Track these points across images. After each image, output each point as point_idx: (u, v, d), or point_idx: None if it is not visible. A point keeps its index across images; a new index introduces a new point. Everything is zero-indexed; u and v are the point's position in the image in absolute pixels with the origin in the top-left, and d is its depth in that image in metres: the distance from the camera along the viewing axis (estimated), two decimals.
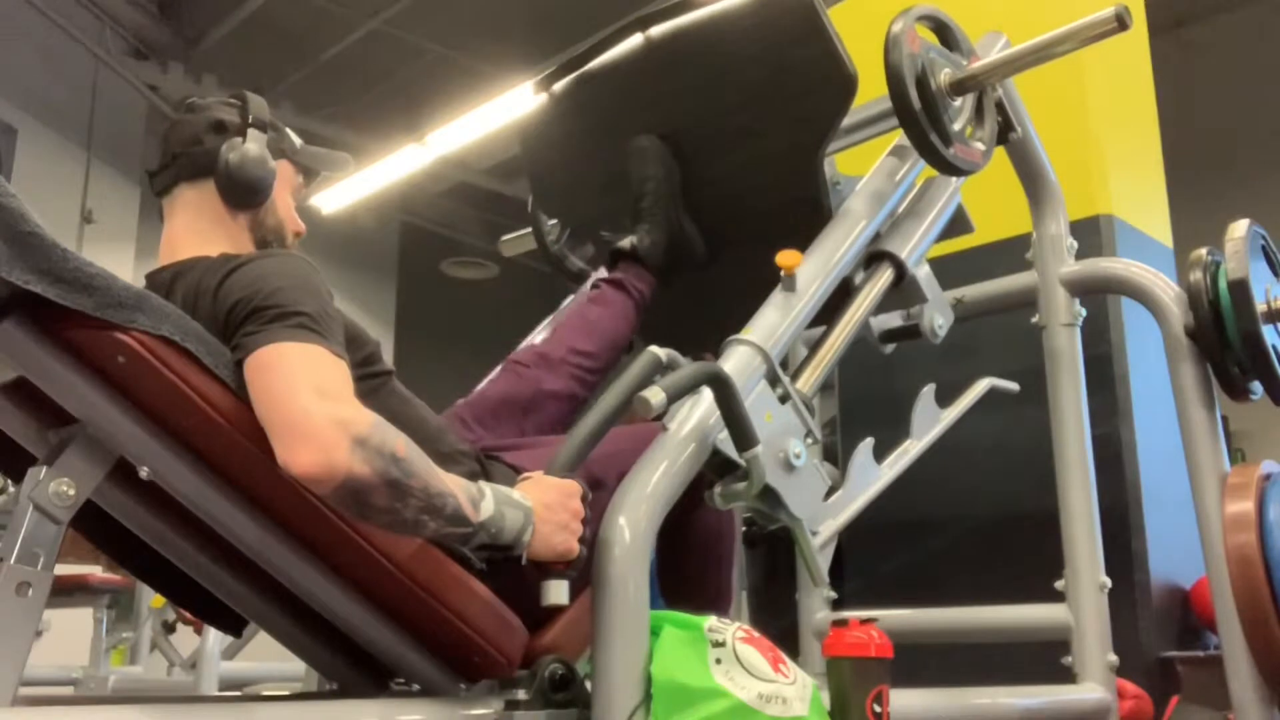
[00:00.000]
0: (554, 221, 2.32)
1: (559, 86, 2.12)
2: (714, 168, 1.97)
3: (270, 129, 1.42)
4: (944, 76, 1.76)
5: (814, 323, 1.66)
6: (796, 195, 1.86)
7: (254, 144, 1.38)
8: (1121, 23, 1.69)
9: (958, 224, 1.98)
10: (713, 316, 1.71)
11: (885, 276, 1.81)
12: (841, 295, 1.74)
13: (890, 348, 2.06)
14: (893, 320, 2.05)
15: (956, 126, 1.77)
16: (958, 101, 1.79)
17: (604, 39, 2.03)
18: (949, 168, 1.76)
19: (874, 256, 1.82)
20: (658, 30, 1.97)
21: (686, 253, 1.98)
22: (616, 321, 1.86)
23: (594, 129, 2.11)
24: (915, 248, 1.84)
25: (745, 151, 1.93)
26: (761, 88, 1.88)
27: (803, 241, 1.71)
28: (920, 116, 1.70)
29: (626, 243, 1.92)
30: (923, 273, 1.86)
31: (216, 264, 1.26)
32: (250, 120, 1.40)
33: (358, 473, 1.03)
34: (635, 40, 2.00)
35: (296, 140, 1.49)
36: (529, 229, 2.38)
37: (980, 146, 1.81)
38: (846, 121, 1.94)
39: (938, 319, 1.88)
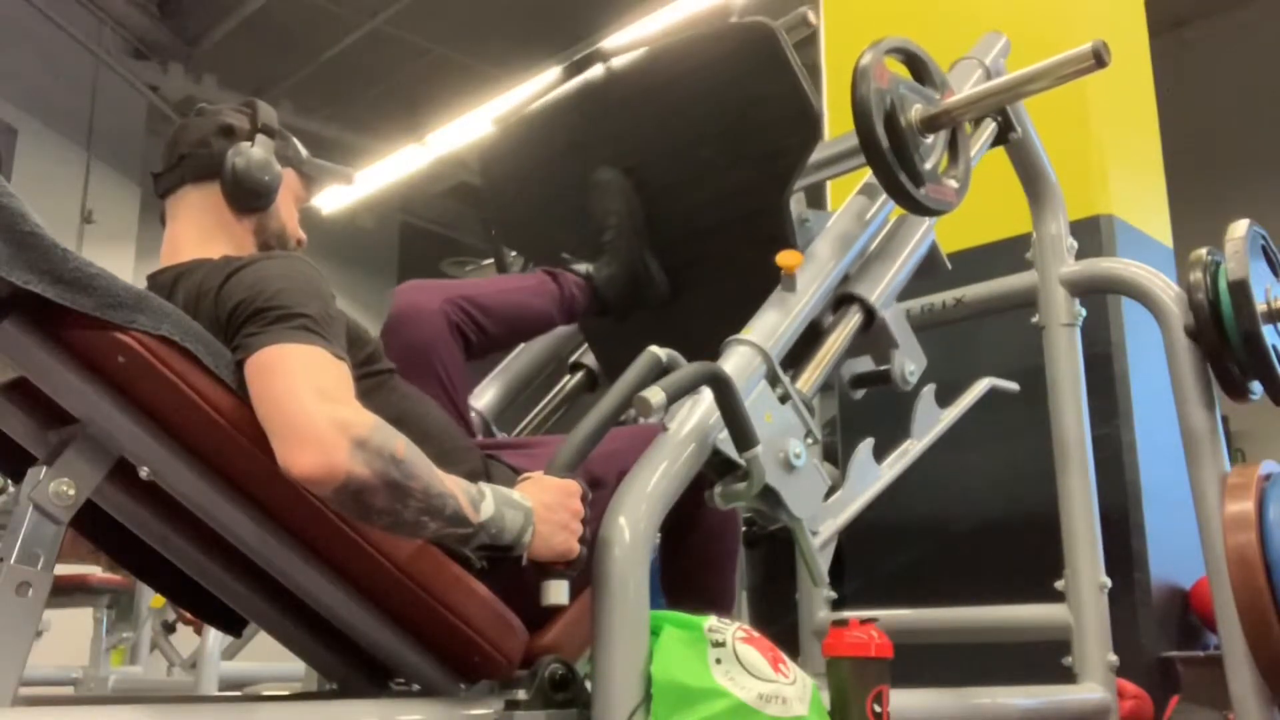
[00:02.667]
0: (514, 254, 2.31)
1: (521, 118, 2.09)
2: (678, 204, 1.92)
3: (278, 136, 1.43)
4: (915, 113, 1.67)
5: (782, 365, 1.56)
6: (763, 233, 1.80)
7: (260, 149, 1.39)
8: (1099, 59, 1.65)
9: (932, 264, 1.92)
10: (679, 352, 1.66)
11: (853, 321, 1.74)
12: (810, 339, 1.67)
13: (860, 393, 2.01)
14: (864, 365, 1.98)
15: (928, 165, 1.67)
16: (929, 139, 1.70)
17: (565, 69, 2.00)
18: (920, 209, 1.67)
19: (843, 299, 1.75)
20: (620, 62, 1.93)
21: (648, 289, 1.94)
22: (528, 296, 1.81)
23: (556, 161, 2.07)
24: (884, 291, 1.77)
25: (709, 188, 1.88)
26: (726, 123, 1.83)
27: (769, 280, 1.63)
28: (888, 156, 1.61)
29: (582, 268, 1.89)
30: (893, 315, 1.79)
31: (219, 265, 1.26)
32: (259, 126, 1.40)
33: (358, 474, 1.03)
34: (597, 72, 1.97)
35: (303, 150, 1.49)
36: (491, 260, 2.37)
37: (954, 184, 1.72)
38: (819, 156, 1.90)
39: (909, 365, 1.81)
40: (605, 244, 1.91)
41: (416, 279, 1.77)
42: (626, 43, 1.93)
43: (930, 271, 1.94)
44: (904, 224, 1.87)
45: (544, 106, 2.06)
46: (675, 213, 1.93)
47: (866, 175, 1.79)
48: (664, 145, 1.92)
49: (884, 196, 1.76)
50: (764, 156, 1.80)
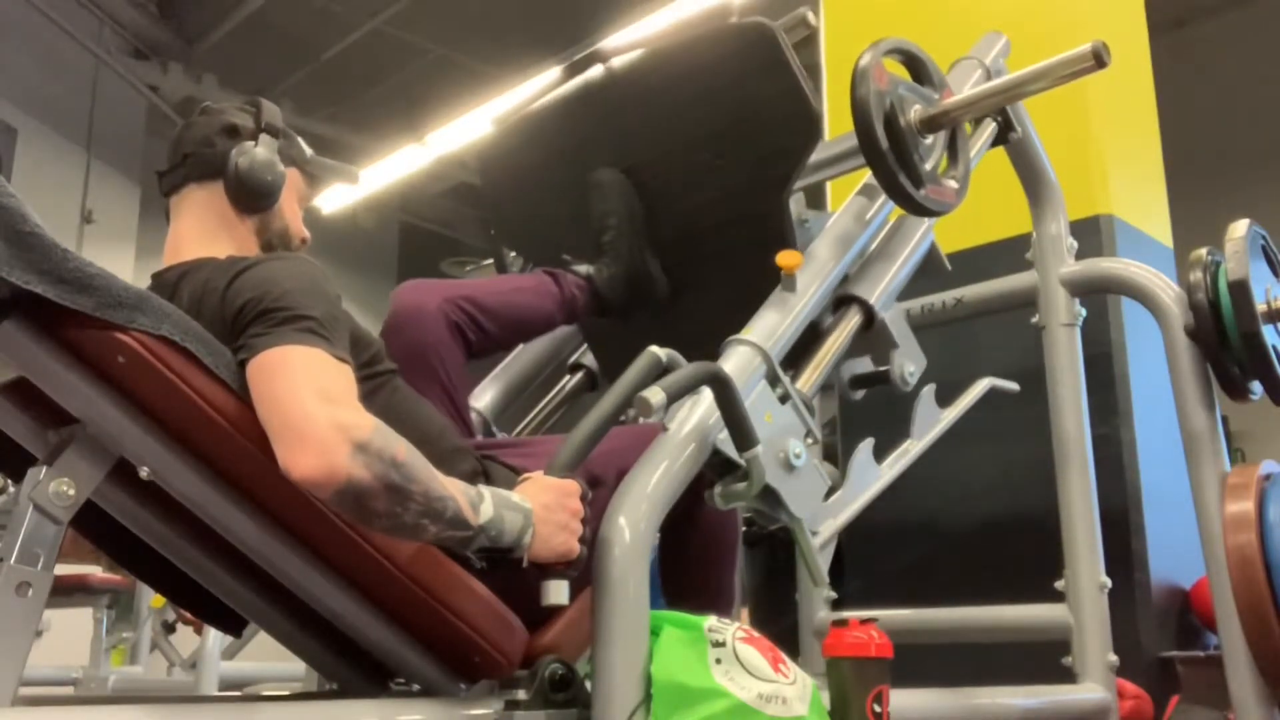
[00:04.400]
0: (514, 254, 2.31)
1: (520, 118, 2.09)
2: (678, 204, 1.92)
3: (282, 136, 1.43)
4: (914, 113, 1.67)
5: (782, 365, 1.56)
6: (763, 233, 1.80)
7: (264, 148, 1.39)
8: (1099, 60, 1.65)
9: (931, 264, 1.92)
10: (680, 352, 1.65)
11: (853, 322, 1.74)
12: (810, 339, 1.67)
13: (860, 394, 2.01)
14: (864, 366, 1.98)
15: (928, 166, 1.67)
16: (929, 139, 1.70)
17: (566, 68, 2.00)
18: (919, 210, 1.67)
19: (842, 300, 1.75)
20: (620, 62, 1.93)
21: (648, 290, 1.94)
22: (529, 296, 1.82)
23: (555, 161, 2.07)
24: (884, 291, 1.77)
25: (709, 188, 1.88)
26: (725, 123, 1.83)
27: (769, 280, 1.63)
28: (888, 156, 1.61)
29: (583, 269, 1.89)
30: (892, 316, 1.79)
31: (225, 265, 1.26)
32: (263, 126, 1.40)
33: (358, 477, 1.04)
34: (597, 71, 1.96)
35: (307, 150, 1.49)
36: (490, 260, 2.37)
37: (953, 185, 1.72)
38: (818, 156, 1.90)
39: (908, 366, 1.81)
40: (605, 244, 1.91)
41: (416, 279, 1.77)
42: (626, 43, 1.93)
43: (930, 272, 1.94)
44: (903, 224, 1.87)
45: (543, 107, 2.06)
46: (675, 213, 1.92)
47: (866, 176, 1.79)
48: (664, 145, 1.92)
49: (883, 197, 1.76)
50: (764, 157, 1.80)
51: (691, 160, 1.89)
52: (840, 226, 1.77)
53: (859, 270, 1.79)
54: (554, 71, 2.03)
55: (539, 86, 2.06)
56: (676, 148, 1.90)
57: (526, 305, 1.81)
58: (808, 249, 1.72)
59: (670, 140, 1.91)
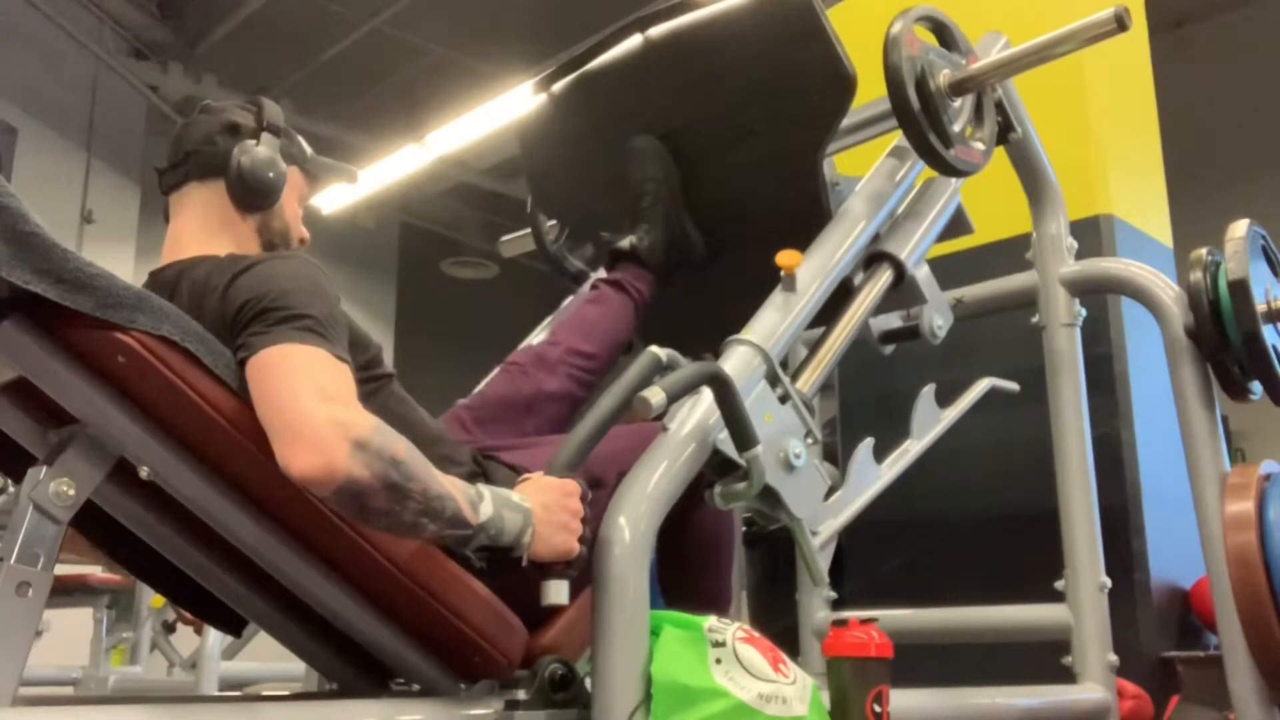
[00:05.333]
0: (553, 222, 2.32)
1: (558, 87, 2.12)
2: (713, 168, 1.97)
3: (283, 135, 1.43)
4: (943, 77, 1.76)
5: (814, 323, 1.65)
6: (796, 196, 1.86)
7: (266, 147, 1.39)
8: (1121, 23, 1.69)
9: (958, 224, 1.98)
10: (713, 316, 1.71)
11: (885, 277, 1.80)
12: (841, 296, 1.74)
13: (890, 348, 2.06)
14: (892, 321, 2.04)
15: (956, 127, 1.76)
16: (957, 102, 1.78)
17: (603, 39, 2.03)
18: (949, 169, 1.76)
19: (873, 257, 1.82)
20: (657, 31, 1.96)
21: (686, 253, 1.98)
22: (615, 322, 1.86)
23: (593, 129, 2.11)
24: (915, 249, 1.84)
25: (744, 152, 1.93)
26: (760, 88, 1.88)
27: (802, 242, 1.70)
28: (919, 118, 1.70)
29: (626, 243, 1.92)
30: (922, 273, 1.85)
31: (225, 263, 1.26)
32: (265, 124, 1.40)
33: (357, 476, 1.04)
34: (634, 41, 2.00)
35: (307, 148, 1.50)
36: (528, 229, 2.38)
37: (980, 147, 1.80)
38: (846, 122, 1.93)
39: (937, 320, 1.88)
40: (643, 210, 1.94)
41: (521, 348, 1.87)
42: (663, 10, 1.95)
43: (956, 231, 1.99)
44: (932, 186, 1.93)
45: (581, 76, 2.08)
46: (712, 177, 1.97)
47: (895, 139, 1.87)
48: (700, 111, 1.96)
49: (913, 158, 1.84)
50: (798, 120, 1.85)
51: (728, 125, 1.94)
52: (873, 186, 1.84)
53: (889, 229, 1.85)
54: (591, 41, 2.05)
55: (578, 54, 2.08)
56: (713, 113, 1.95)
57: (617, 330, 1.87)
58: (841, 207, 1.80)
59: (706, 106, 1.96)
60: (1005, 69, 1.83)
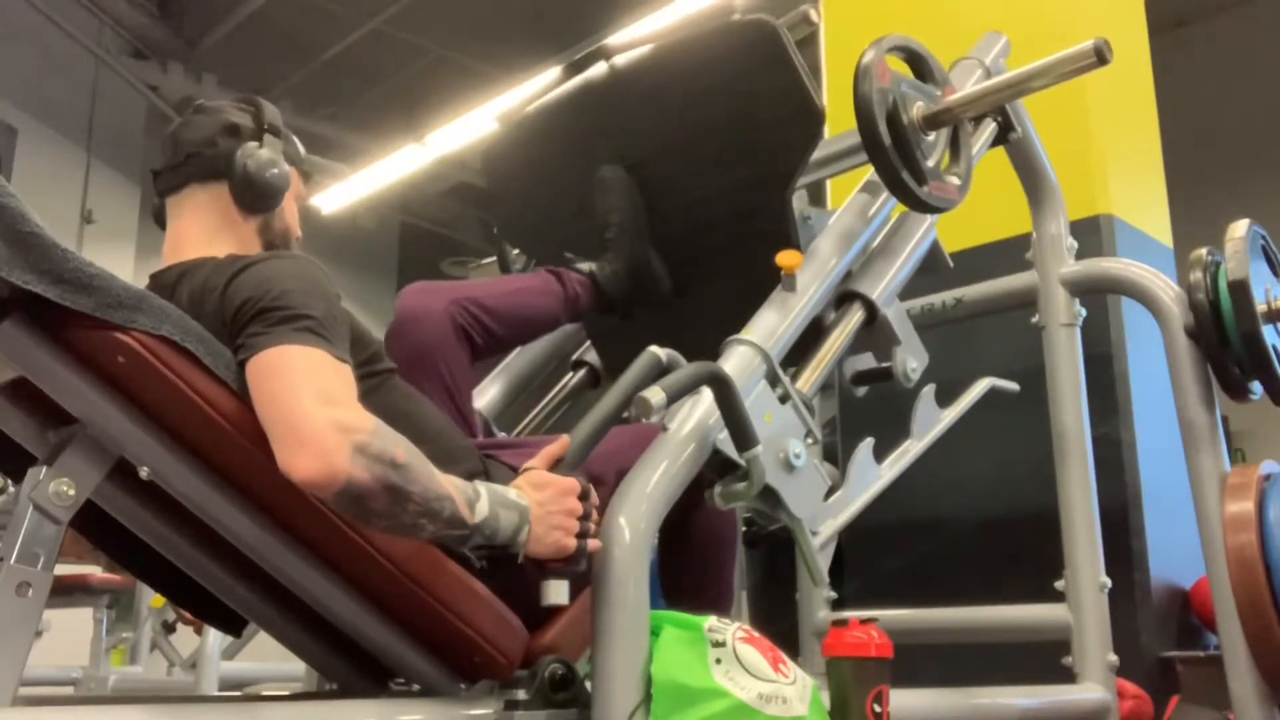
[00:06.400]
0: (517, 251, 2.31)
1: (524, 115, 2.09)
2: (681, 200, 1.93)
3: (282, 136, 1.43)
4: (916, 110, 1.68)
5: (785, 363, 1.57)
6: (765, 229, 1.80)
7: (269, 150, 1.39)
8: (1101, 57, 1.65)
9: (934, 261, 1.92)
10: (682, 349, 1.66)
11: (855, 318, 1.74)
12: (812, 336, 1.67)
13: (863, 391, 2.01)
14: (866, 360, 1.97)
15: (930, 163, 1.68)
16: (931, 136, 1.70)
17: (568, 66, 2.00)
18: (922, 206, 1.68)
19: (845, 296, 1.76)
20: (623, 59, 1.93)
21: (651, 286, 1.94)
22: (534, 296, 1.82)
23: (559, 158, 2.07)
24: (886, 287, 1.78)
25: (712, 184, 1.89)
26: (728, 120, 1.84)
27: (771, 277, 1.64)
28: (891, 153, 1.62)
29: (585, 266, 1.89)
30: (894, 312, 1.79)
31: (225, 263, 1.26)
32: (265, 126, 1.40)
33: (357, 479, 1.04)
34: (600, 69, 1.97)
35: (301, 148, 1.50)
36: (493, 258, 2.37)
37: (956, 182, 1.73)
38: (820, 154, 1.90)
39: (911, 362, 1.81)
40: (608, 240, 1.91)
41: (420, 281, 1.77)
42: (630, 40, 1.93)
43: (932, 268, 1.95)
44: (905, 222, 1.88)
45: (547, 104, 2.06)
46: (678, 209, 1.93)
47: (868, 173, 1.79)
48: (667, 142, 1.93)
49: (886, 194, 1.76)
50: (766, 153, 1.81)
51: (695, 156, 1.90)
52: (843, 223, 1.77)
53: (861, 267, 1.80)
54: (557, 70, 2.03)
55: (543, 84, 2.07)
56: (680, 144, 1.91)
57: (531, 305, 1.82)
58: (810, 245, 1.73)
59: (673, 137, 1.92)
60: (981, 103, 1.78)
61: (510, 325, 1.78)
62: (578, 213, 1.98)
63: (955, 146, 1.77)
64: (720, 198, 1.89)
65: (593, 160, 1.96)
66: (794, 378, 1.59)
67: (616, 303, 1.92)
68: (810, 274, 1.66)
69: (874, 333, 1.78)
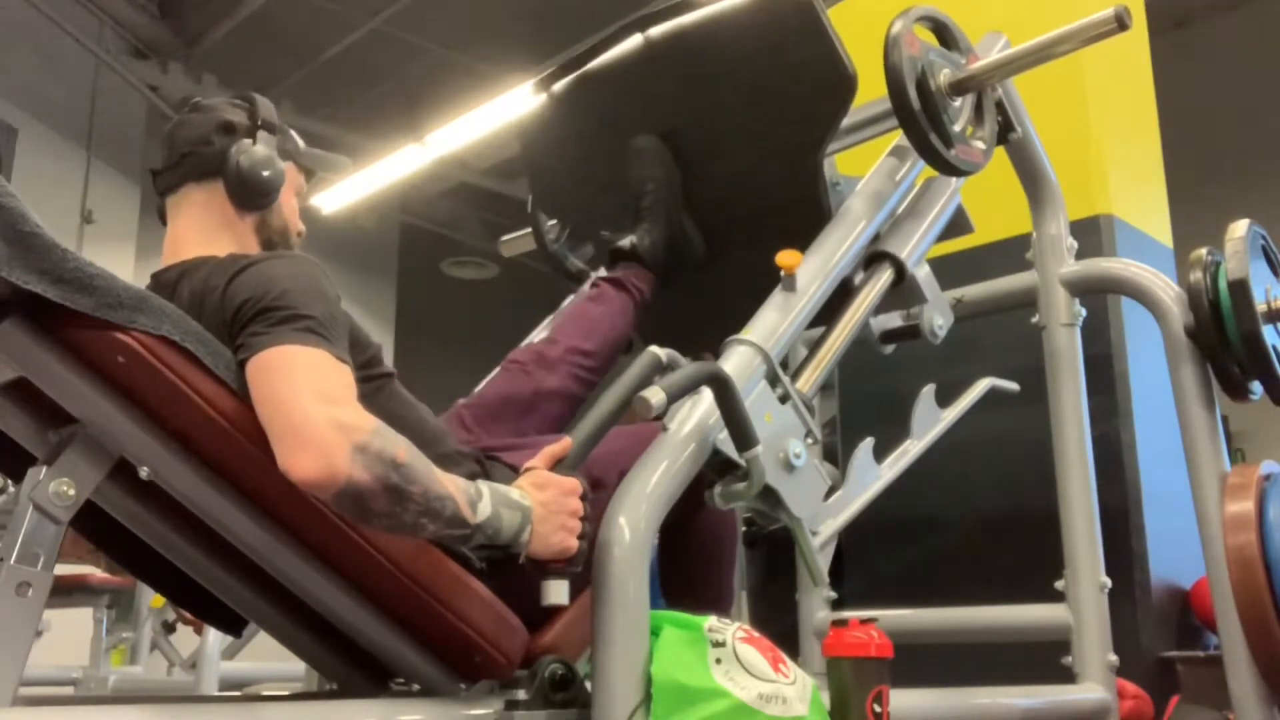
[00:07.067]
0: (553, 221, 2.32)
1: (559, 86, 2.12)
2: (714, 168, 1.97)
3: (277, 131, 1.43)
4: (943, 77, 1.76)
5: (814, 323, 1.66)
6: (797, 195, 1.86)
7: (264, 146, 1.38)
8: (1121, 23, 1.69)
9: (958, 224, 1.98)
10: (713, 316, 1.71)
11: (885, 277, 1.80)
12: (841, 296, 1.74)
13: (890, 348, 2.06)
14: (893, 320, 2.04)
15: (957, 127, 1.76)
16: (957, 102, 1.79)
17: (604, 39, 2.03)
18: (950, 168, 1.76)
19: (874, 257, 1.82)
20: (658, 30, 1.97)
21: (687, 252, 1.98)
22: (615, 320, 1.86)
23: (594, 129, 2.11)
24: (915, 248, 1.84)
25: (745, 152, 1.93)
26: (761, 88, 1.88)
27: (803, 242, 1.70)
28: (920, 117, 1.70)
29: (626, 242, 1.92)
30: (922, 273, 1.85)
31: (225, 263, 1.26)
32: (259, 122, 1.40)
33: (358, 479, 1.04)
34: (635, 40, 2.00)
35: (300, 142, 1.49)
36: (529, 229, 2.38)
37: (981, 146, 1.81)
38: (847, 122, 1.93)
39: (937, 319, 1.88)
40: (644, 209, 1.94)
41: (521, 347, 1.86)
42: (665, 10, 1.96)
43: (956, 231, 1.99)
44: (932, 185, 1.94)
45: (582, 75, 2.08)
46: (712, 177, 1.97)
47: (895, 139, 1.88)
48: (701, 110, 1.96)
49: (913, 158, 1.84)
50: (798, 120, 1.85)
51: (729, 125, 1.94)
52: (873, 185, 1.84)
53: (890, 229, 1.86)
54: (592, 39, 2.05)
55: (579, 52, 2.08)
56: (714, 113, 1.95)
57: (616, 329, 1.87)
58: (842, 206, 1.80)
59: (707, 106, 1.96)
60: (1006, 68, 1.83)
61: (610, 358, 1.85)
62: (613, 182, 2.01)
63: (979, 112, 1.84)
64: (753, 164, 1.93)
65: (627, 130, 2.00)
66: (818, 344, 1.66)
67: (654, 270, 1.95)
68: (842, 233, 1.74)
69: (903, 291, 1.84)
